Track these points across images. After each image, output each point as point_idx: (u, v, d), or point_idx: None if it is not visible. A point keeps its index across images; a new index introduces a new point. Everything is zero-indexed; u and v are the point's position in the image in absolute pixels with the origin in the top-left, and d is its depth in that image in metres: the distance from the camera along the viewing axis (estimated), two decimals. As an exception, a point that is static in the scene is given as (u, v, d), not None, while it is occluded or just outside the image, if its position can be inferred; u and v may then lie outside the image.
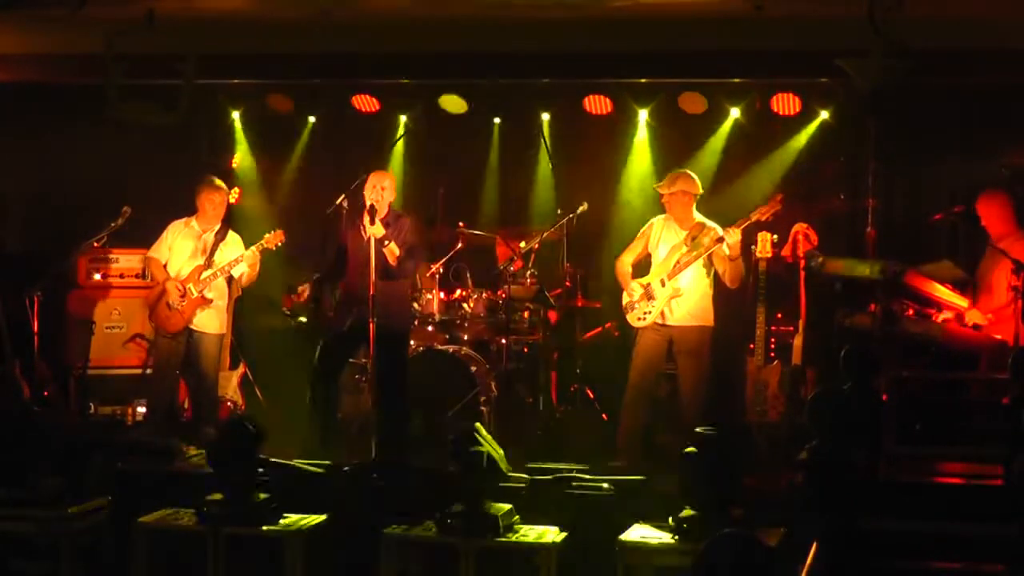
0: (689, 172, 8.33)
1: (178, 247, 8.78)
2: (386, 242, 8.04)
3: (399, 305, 8.39)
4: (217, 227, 8.82)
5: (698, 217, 8.29)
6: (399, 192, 10.25)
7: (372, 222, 7.97)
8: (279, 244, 8.72)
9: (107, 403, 9.63)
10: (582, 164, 10.16)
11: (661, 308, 8.11)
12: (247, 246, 8.75)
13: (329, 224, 8.45)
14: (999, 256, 8.01)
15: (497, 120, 10.17)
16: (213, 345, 8.77)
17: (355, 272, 8.20)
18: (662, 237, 8.27)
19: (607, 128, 10.05)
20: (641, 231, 8.42)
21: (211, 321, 8.75)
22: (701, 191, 8.31)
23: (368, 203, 8.06)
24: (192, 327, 8.69)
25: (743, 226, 8.09)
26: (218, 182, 8.88)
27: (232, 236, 8.86)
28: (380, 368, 8.12)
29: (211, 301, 8.68)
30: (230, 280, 8.86)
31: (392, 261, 8.08)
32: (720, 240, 7.99)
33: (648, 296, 8.16)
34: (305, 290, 8.88)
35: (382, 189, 8.21)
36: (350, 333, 8.22)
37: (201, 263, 8.69)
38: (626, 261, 8.35)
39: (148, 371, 9.17)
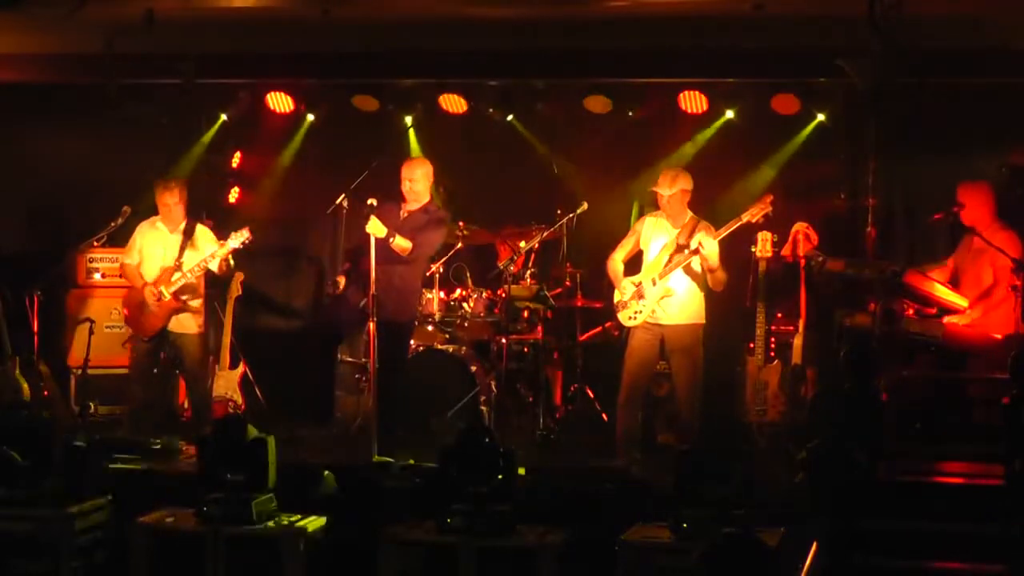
0: (683, 170, 8.30)
1: (147, 250, 8.71)
2: (391, 239, 8.07)
3: (412, 294, 8.45)
4: (183, 225, 8.72)
5: (691, 214, 8.25)
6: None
7: (367, 221, 7.98)
8: (246, 242, 8.63)
9: (107, 403, 9.63)
10: (583, 163, 10.15)
11: (652, 307, 8.09)
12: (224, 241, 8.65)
13: (341, 221, 8.47)
14: (984, 248, 8.04)
15: (496, 119, 10.15)
16: (195, 345, 8.73)
17: (377, 254, 8.18)
18: (653, 235, 8.22)
19: (606, 127, 10.05)
20: (632, 228, 8.39)
21: (189, 321, 8.68)
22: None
23: (370, 201, 8.06)
24: (169, 329, 8.64)
25: (732, 227, 8.03)
26: (171, 182, 8.78)
27: (200, 230, 8.77)
28: (387, 358, 8.19)
29: (185, 303, 8.61)
30: (211, 278, 8.84)
31: (403, 254, 8.16)
32: (696, 252, 7.95)
33: (639, 295, 8.13)
34: (342, 281, 8.75)
35: (411, 181, 8.29)
36: (362, 314, 8.25)
37: (171, 265, 8.61)
38: (617, 259, 8.32)
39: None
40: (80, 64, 9.40)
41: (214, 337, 9.73)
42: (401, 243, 8.14)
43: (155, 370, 8.94)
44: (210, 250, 8.65)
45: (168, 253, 8.67)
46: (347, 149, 10.14)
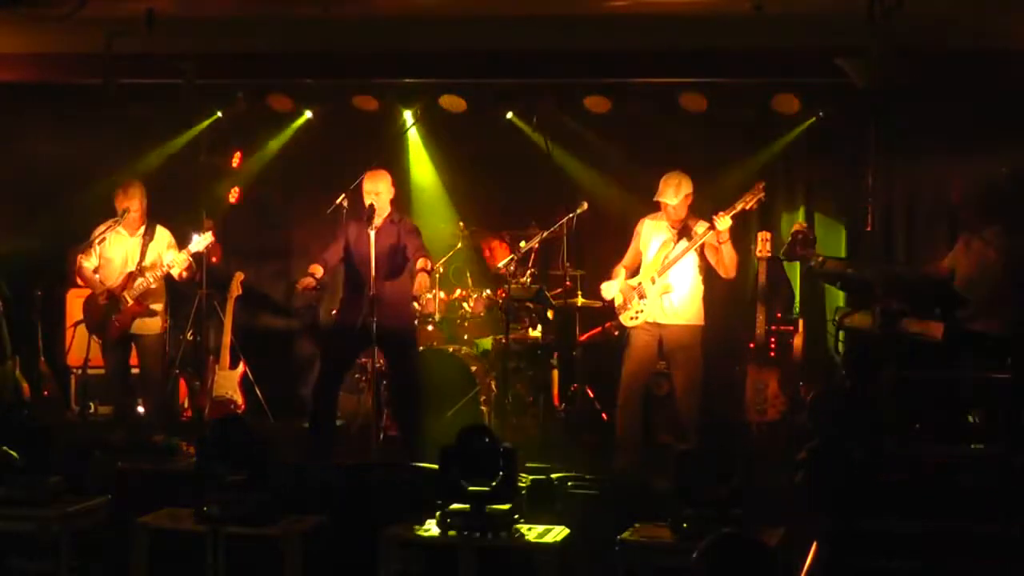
0: (682, 173, 8.24)
1: (108, 255, 8.61)
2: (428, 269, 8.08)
3: (407, 305, 8.41)
4: (143, 228, 8.63)
5: (688, 213, 8.23)
6: (406, 190, 10.30)
7: (370, 223, 7.93)
8: (210, 246, 8.61)
9: (107, 403, 9.64)
10: (582, 164, 10.15)
11: (653, 306, 8.06)
12: (183, 244, 8.60)
13: (341, 221, 8.41)
14: (982, 248, 8.05)
15: (496, 119, 10.16)
16: (154, 345, 8.66)
17: (361, 278, 8.09)
18: (652, 236, 8.22)
19: (605, 127, 10.05)
20: (635, 231, 8.35)
21: (152, 323, 8.61)
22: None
23: (369, 203, 8.03)
24: (132, 331, 8.56)
25: (729, 214, 7.98)
26: (132, 185, 8.66)
27: (160, 233, 8.68)
28: (398, 369, 8.25)
29: (147, 307, 8.53)
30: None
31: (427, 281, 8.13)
32: (711, 228, 7.92)
33: (640, 295, 8.12)
34: (316, 271, 8.58)
35: (376, 194, 8.13)
36: (362, 334, 8.07)
37: (133, 270, 8.52)
38: (620, 269, 8.31)
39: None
40: (80, 64, 9.39)
41: (214, 337, 9.75)
42: (424, 281, 8.08)
43: (133, 371, 8.88)
44: (171, 254, 8.53)
45: (129, 257, 8.59)
46: (347, 149, 10.16)
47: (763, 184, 8.12)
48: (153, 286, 8.52)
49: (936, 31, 8.02)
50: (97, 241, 8.55)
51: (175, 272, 8.51)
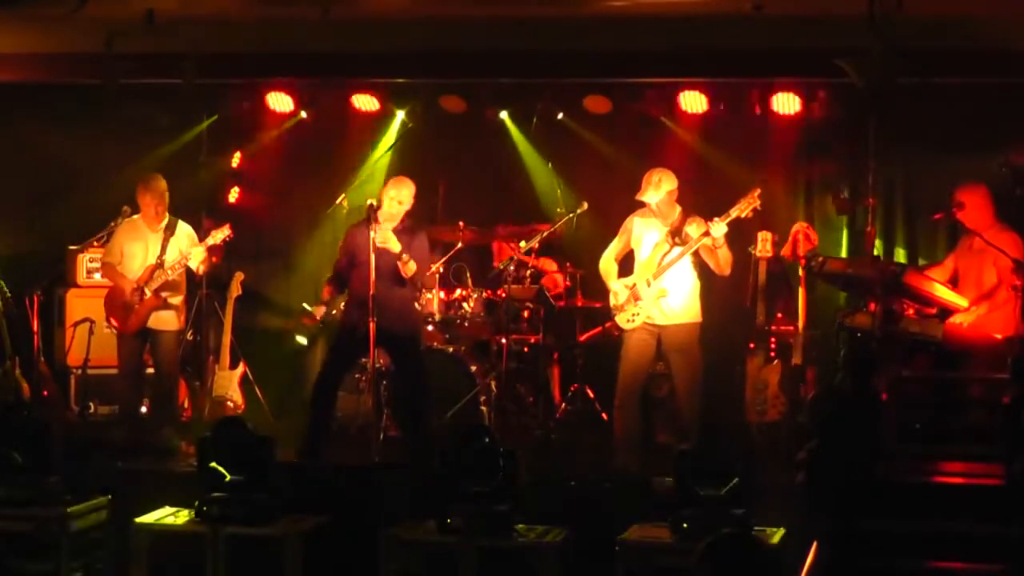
0: (664, 169, 8.14)
1: (129, 250, 8.65)
2: (404, 257, 7.90)
3: (410, 309, 8.39)
4: (164, 223, 8.67)
5: (679, 209, 8.12)
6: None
7: (376, 219, 7.86)
8: (226, 240, 8.62)
9: (107, 403, 9.63)
10: (582, 164, 10.15)
11: (649, 309, 8.02)
12: (203, 239, 8.64)
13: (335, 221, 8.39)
14: (985, 248, 8.04)
15: (498, 119, 10.16)
16: (171, 342, 8.68)
17: (365, 279, 7.98)
18: (644, 233, 8.12)
19: (607, 127, 10.05)
20: (623, 226, 8.28)
21: (169, 318, 8.63)
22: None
23: (370, 202, 7.98)
24: (149, 326, 8.58)
25: (724, 220, 7.84)
26: (153, 180, 8.69)
27: (181, 228, 8.71)
28: (404, 372, 8.25)
29: (165, 300, 8.55)
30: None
31: (406, 275, 7.96)
32: (706, 234, 7.87)
33: (635, 297, 8.07)
34: (319, 311, 8.62)
35: (399, 203, 8.03)
36: (365, 336, 7.94)
37: (153, 263, 8.55)
38: (610, 258, 8.23)
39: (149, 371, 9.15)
40: (80, 64, 9.38)
41: (214, 337, 9.75)
42: (412, 266, 7.93)
43: (147, 369, 8.91)
44: (190, 247, 8.59)
45: (150, 251, 8.62)
46: (347, 149, 10.15)
47: (759, 191, 8.00)
48: (173, 277, 8.55)
49: (936, 31, 8.02)
50: (96, 239, 8.58)
51: (193, 265, 8.57)
